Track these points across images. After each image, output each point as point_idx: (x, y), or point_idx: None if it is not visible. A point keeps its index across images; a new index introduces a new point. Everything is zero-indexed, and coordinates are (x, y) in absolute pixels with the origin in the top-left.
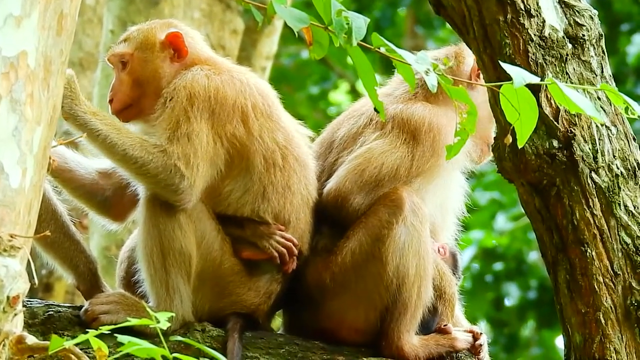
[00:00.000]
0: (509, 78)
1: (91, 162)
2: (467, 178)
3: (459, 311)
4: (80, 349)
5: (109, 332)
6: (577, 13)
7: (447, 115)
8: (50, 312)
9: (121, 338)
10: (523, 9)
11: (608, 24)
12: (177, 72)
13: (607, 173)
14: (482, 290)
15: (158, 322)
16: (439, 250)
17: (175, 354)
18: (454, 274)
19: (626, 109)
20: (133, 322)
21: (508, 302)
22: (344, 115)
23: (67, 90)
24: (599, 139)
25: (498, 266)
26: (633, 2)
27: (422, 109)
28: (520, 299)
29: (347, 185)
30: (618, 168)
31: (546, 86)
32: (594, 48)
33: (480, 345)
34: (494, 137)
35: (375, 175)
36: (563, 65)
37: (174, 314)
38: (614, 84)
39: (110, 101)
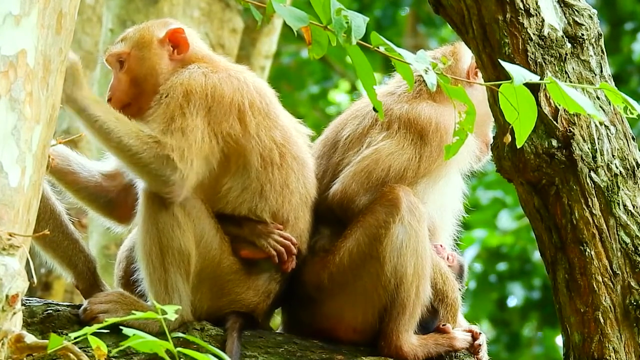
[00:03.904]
0: (508, 77)
1: (94, 164)
2: (468, 177)
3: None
4: (79, 348)
5: (108, 330)
6: (576, 12)
7: (452, 114)
8: (49, 311)
9: (126, 331)
10: (522, 8)
11: (612, 23)
12: (174, 69)
13: (606, 172)
14: (486, 290)
15: (165, 313)
16: (447, 258)
17: (178, 349)
18: (459, 282)
19: (625, 108)
20: (138, 315)
21: (512, 303)
22: (347, 114)
23: (69, 74)
24: (598, 139)
25: (502, 266)
26: (637, 1)
27: (429, 109)
28: (524, 299)
29: (353, 187)
30: (617, 167)
31: (545, 85)
32: (593, 47)
33: (480, 344)
34: (493, 137)
35: (382, 177)
36: (562, 64)
37: (180, 307)
38: (613, 83)
39: (109, 100)
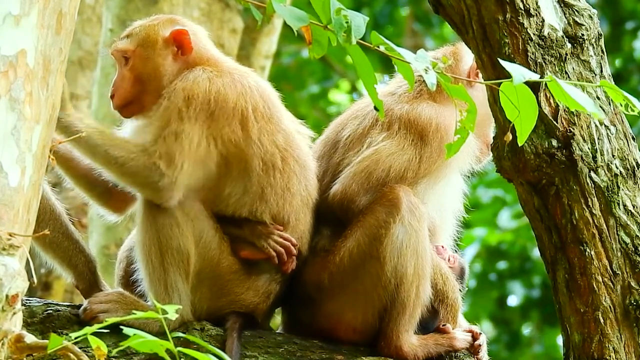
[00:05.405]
0: (508, 77)
1: None
2: (468, 176)
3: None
4: (79, 348)
5: (108, 330)
6: (576, 12)
7: (453, 114)
8: (49, 311)
9: (126, 330)
10: (522, 8)
11: (613, 23)
12: (179, 70)
13: (606, 172)
14: (486, 289)
15: (165, 313)
16: (448, 259)
17: (178, 349)
18: (460, 283)
19: (626, 105)
20: (138, 315)
21: (512, 302)
22: (348, 114)
23: None
24: (598, 139)
25: (502, 265)
26: (638, 0)
27: (429, 109)
28: (524, 297)
29: (353, 188)
30: (617, 167)
31: (545, 85)
32: (593, 47)
33: (480, 345)
34: (493, 137)
35: (382, 177)
36: (562, 64)
37: (181, 307)
38: (613, 83)
39: (112, 97)
